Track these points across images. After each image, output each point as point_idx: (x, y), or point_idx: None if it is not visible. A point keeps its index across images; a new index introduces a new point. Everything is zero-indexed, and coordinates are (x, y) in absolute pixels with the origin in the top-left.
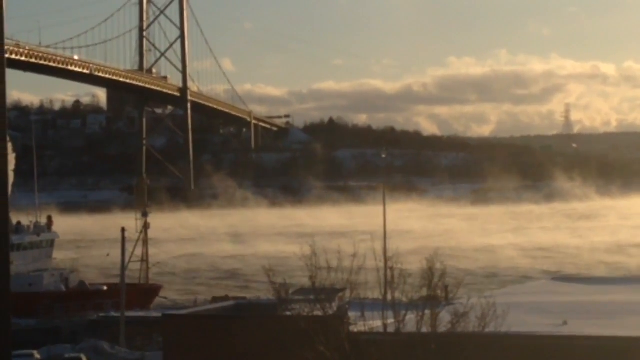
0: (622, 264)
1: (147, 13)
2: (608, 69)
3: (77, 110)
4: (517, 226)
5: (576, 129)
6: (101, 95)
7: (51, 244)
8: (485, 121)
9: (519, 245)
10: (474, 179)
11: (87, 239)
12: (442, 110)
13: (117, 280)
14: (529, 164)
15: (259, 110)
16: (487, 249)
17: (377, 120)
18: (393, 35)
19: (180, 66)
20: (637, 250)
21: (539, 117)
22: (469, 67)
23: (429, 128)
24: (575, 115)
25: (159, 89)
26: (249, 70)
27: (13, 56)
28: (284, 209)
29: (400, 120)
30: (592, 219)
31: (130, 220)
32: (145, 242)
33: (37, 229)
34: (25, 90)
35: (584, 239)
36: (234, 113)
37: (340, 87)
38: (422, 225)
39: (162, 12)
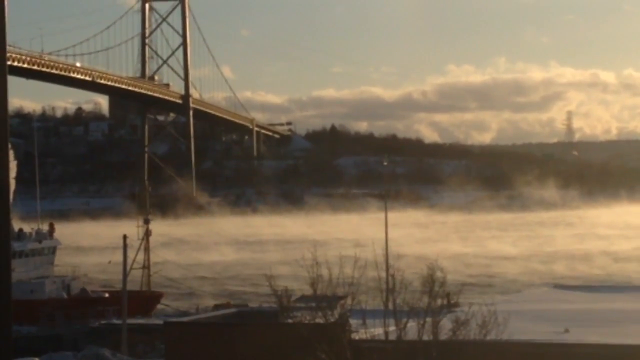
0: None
1: (149, 20)
2: (608, 76)
3: (79, 118)
4: (482, 235)
5: (577, 137)
6: (103, 102)
7: (53, 251)
8: (485, 129)
9: (464, 253)
10: (476, 187)
11: (88, 246)
12: (442, 118)
13: (118, 287)
14: (530, 171)
15: (260, 117)
16: (427, 257)
17: (377, 127)
18: (392, 43)
19: (182, 73)
20: (570, 260)
21: (539, 125)
22: (469, 74)
23: (429, 135)
24: (575, 123)
25: (161, 96)
26: (249, 78)
27: (15, 63)
28: (280, 217)
29: (401, 128)
30: (569, 228)
31: (132, 228)
32: (147, 249)
33: (39, 236)
34: (26, 97)
35: (526, 248)
36: (236, 120)
37: (341, 94)
38: (396, 233)
39: (164, 19)
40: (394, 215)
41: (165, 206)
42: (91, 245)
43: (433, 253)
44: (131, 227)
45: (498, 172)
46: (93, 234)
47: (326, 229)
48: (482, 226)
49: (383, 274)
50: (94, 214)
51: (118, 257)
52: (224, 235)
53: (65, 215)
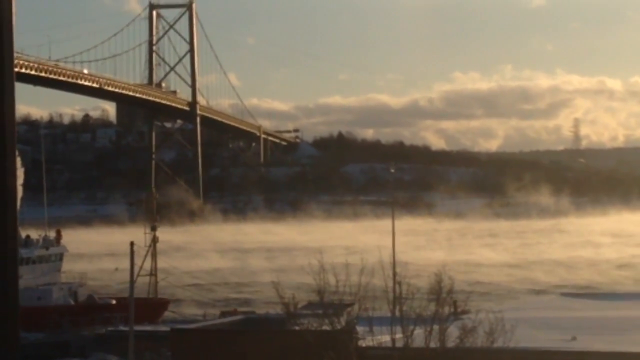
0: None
1: (157, 27)
2: (614, 84)
3: (86, 124)
4: (472, 242)
5: (583, 144)
6: (110, 109)
7: (60, 257)
8: (492, 136)
9: (443, 261)
10: (483, 194)
11: (95, 253)
12: (448, 125)
13: (125, 294)
14: (537, 179)
15: (266, 124)
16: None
17: (384, 134)
18: (397, 50)
19: (189, 80)
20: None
21: (545, 132)
22: (475, 82)
23: (436, 142)
24: (582, 130)
25: (168, 103)
26: (255, 85)
27: (23, 70)
28: (275, 224)
29: (407, 135)
30: (564, 236)
31: (138, 235)
32: (154, 256)
33: (46, 242)
34: (33, 104)
35: (511, 256)
36: (243, 127)
37: (347, 101)
38: (385, 241)
39: (171, 26)
40: (388, 223)
41: (161, 213)
42: (90, 253)
43: (413, 261)
44: (136, 235)
45: (504, 180)
46: (94, 241)
47: (318, 237)
48: (476, 234)
49: (378, 282)
50: (100, 221)
51: (119, 263)
52: (216, 243)
53: (72, 222)
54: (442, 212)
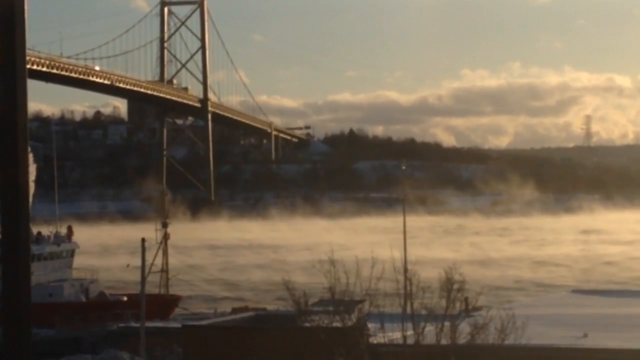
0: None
1: (168, 24)
2: (623, 81)
3: (97, 121)
4: (442, 240)
5: (593, 141)
6: (121, 106)
7: (71, 254)
8: (502, 133)
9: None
10: (494, 191)
11: (107, 250)
12: (458, 122)
13: (136, 291)
14: (550, 176)
15: (276, 121)
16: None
17: (393, 131)
18: (406, 47)
19: (200, 77)
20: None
21: (555, 129)
22: (483, 79)
23: (445, 139)
24: (592, 127)
25: (179, 99)
26: (264, 82)
27: (34, 66)
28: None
29: (417, 132)
30: (538, 233)
31: (150, 231)
32: (165, 252)
33: (58, 239)
34: (44, 101)
35: (467, 254)
36: (254, 124)
37: (356, 98)
38: (358, 239)
39: (183, 23)
40: (377, 222)
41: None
42: (110, 249)
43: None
44: (150, 231)
45: (516, 177)
46: (111, 237)
47: (288, 235)
48: (460, 231)
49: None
50: (111, 218)
51: (137, 260)
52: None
53: (83, 218)
54: (445, 209)
